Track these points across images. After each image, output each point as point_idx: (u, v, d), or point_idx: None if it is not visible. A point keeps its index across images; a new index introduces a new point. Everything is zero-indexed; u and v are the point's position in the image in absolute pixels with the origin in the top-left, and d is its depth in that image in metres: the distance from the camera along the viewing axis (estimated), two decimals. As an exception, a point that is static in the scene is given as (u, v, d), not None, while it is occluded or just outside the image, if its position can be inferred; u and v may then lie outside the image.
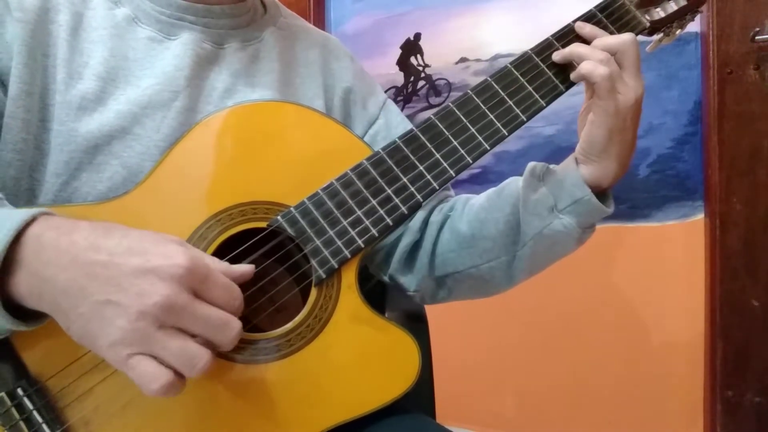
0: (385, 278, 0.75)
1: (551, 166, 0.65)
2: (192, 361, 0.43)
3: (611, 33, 0.62)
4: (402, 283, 0.74)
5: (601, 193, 0.62)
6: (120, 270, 0.43)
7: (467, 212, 0.70)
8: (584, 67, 0.58)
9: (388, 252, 0.74)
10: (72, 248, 0.44)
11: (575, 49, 0.60)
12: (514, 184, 0.67)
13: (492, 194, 0.69)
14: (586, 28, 0.62)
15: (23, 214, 0.45)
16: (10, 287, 0.44)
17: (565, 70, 0.61)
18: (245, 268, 0.50)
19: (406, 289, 0.74)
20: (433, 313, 0.86)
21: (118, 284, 0.43)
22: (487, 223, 0.67)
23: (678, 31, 0.67)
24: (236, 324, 0.45)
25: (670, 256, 1.35)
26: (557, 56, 0.61)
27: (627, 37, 0.59)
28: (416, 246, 0.73)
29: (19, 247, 0.44)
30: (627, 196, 1.38)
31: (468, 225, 0.68)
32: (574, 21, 0.62)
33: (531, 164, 0.65)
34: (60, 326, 0.45)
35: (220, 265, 0.48)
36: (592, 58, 0.58)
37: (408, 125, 0.77)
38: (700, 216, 1.32)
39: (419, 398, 0.73)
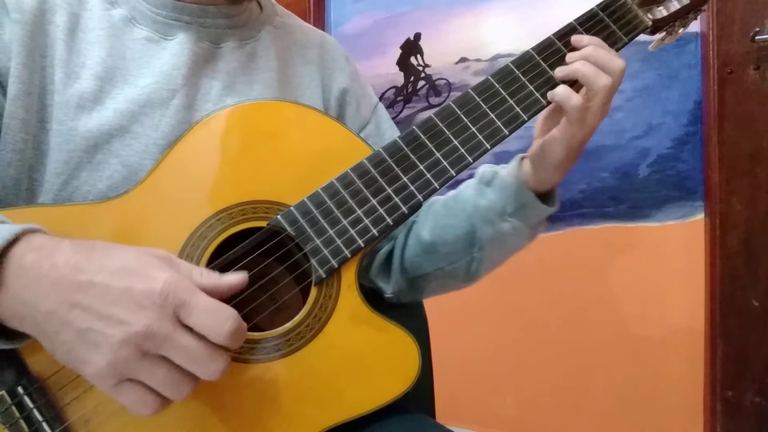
0: (366, 282, 0.78)
1: (499, 170, 0.68)
2: (177, 387, 0.43)
3: (613, 32, 0.62)
4: (381, 286, 0.77)
5: (546, 192, 0.66)
6: (101, 297, 0.42)
7: (429, 219, 0.73)
8: (559, 93, 0.59)
9: (370, 257, 0.77)
10: (53, 272, 0.43)
11: (578, 68, 0.59)
12: (468, 190, 0.70)
13: (449, 200, 0.72)
14: (583, 41, 0.61)
15: (5, 232, 0.44)
16: None
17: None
18: (235, 280, 0.47)
19: (384, 292, 0.77)
20: (433, 313, 0.86)
21: (98, 311, 0.42)
22: (446, 230, 0.70)
23: (681, 30, 0.67)
24: (217, 360, 0.43)
25: (670, 256, 1.35)
26: (560, 73, 0.61)
27: (619, 64, 0.59)
28: (391, 251, 0.76)
29: (1, 269, 0.43)
30: (627, 196, 1.38)
31: (429, 232, 0.71)
32: (576, 20, 0.62)
33: (480, 169, 0.69)
34: None
35: (208, 279, 0.46)
36: (596, 82, 0.58)
37: (395, 131, 0.80)
38: (700, 216, 1.32)
39: (419, 398, 0.73)
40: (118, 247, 0.46)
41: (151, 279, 0.43)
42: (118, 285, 0.42)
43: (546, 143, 0.62)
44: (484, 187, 0.68)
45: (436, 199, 0.75)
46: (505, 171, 0.67)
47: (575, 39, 0.61)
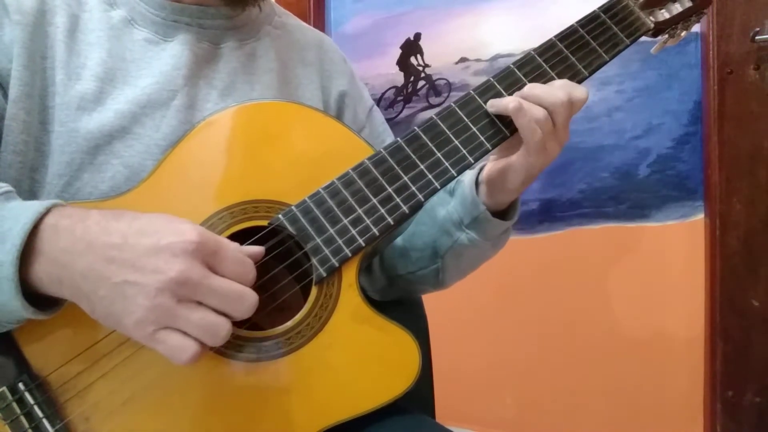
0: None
1: (462, 177, 0.66)
2: (214, 329, 0.45)
3: (614, 34, 0.62)
4: (363, 285, 0.77)
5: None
6: (134, 250, 0.45)
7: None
8: (524, 126, 0.58)
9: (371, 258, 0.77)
10: (86, 234, 0.46)
11: (515, 103, 0.57)
12: (436, 196, 0.68)
13: None
14: (536, 90, 0.59)
15: (37, 205, 0.46)
16: (29, 276, 0.46)
17: (568, 70, 0.61)
18: (255, 249, 0.51)
19: (367, 290, 0.78)
20: (432, 312, 0.86)
21: (133, 264, 0.44)
22: (415, 236, 0.71)
23: (683, 33, 0.67)
24: (251, 295, 0.47)
25: (670, 256, 1.35)
26: (492, 108, 0.59)
27: (561, 96, 0.57)
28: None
29: (37, 237, 0.45)
30: (627, 196, 1.38)
31: (402, 236, 0.72)
32: (578, 22, 0.62)
33: None
34: (62, 321, 0.47)
35: (231, 244, 0.49)
36: (533, 115, 0.57)
37: (389, 135, 0.80)
38: (700, 216, 1.32)
39: (419, 398, 0.73)
40: (143, 213, 0.48)
41: (180, 232, 0.45)
42: (149, 240, 0.45)
43: (505, 170, 0.61)
44: (446, 195, 0.68)
45: None
46: (467, 178, 0.66)
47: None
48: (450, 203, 0.67)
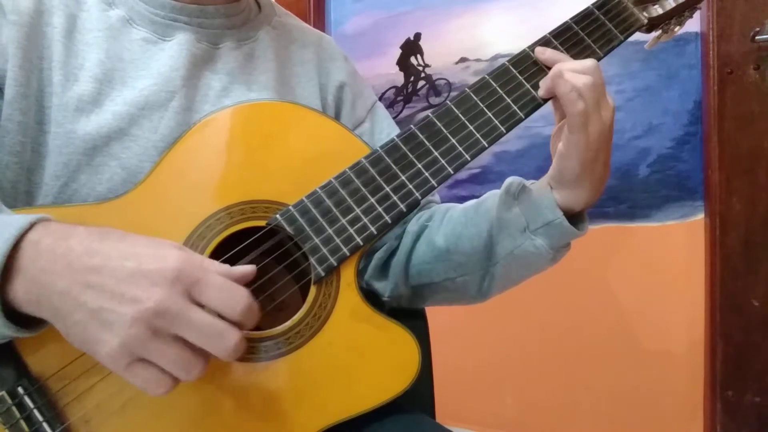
0: (362, 284, 0.76)
1: (527, 184, 0.64)
2: (187, 367, 0.43)
3: (608, 30, 0.62)
4: (377, 288, 0.75)
5: (575, 214, 0.62)
6: (113, 275, 0.43)
7: (445, 224, 0.70)
8: (565, 95, 0.56)
9: (367, 258, 0.75)
10: (68, 254, 0.44)
11: (555, 70, 0.57)
12: (492, 199, 0.67)
13: (470, 208, 0.69)
14: (546, 53, 0.59)
15: (21, 220, 0.45)
16: (9, 294, 0.44)
17: None
18: (245, 269, 0.48)
19: (381, 295, 0.75)
20: (432, 312, 0.86)
21: (111, 291, 0.43)
22: (462, 239, 0.67)
23: (677, 29, 0.67)
24: (232, 335, 0.44)
25: (670, 256, 1.35)
26: (542, 91, 0.59)
27: (591, 63, 0.56)
28: (391, 254, 0.74)
29: (18, 254, 0.44)
30: (627, 196, 1.38)
31: (444, 238, 0.69)
32: (572, 18, 0.62)
33: (508, 180, 0.65)
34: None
35: (219, 268, 0.46)
36: (575, 84, 0.55)
37: (395, 131, 0.78)
38: (700, 216, 1.32)
39: (419, 398, 0.73)
40: (130, 234, 0.47)
41: (163, 259, 0.44)
42: (131, 265, 0.43)
43: (557, 164, 0.60)
44: (510, 199, 0.64)
45: (453, 206, 0.73)
46: (535, 185, 0.63)
47: (538, 50, 0.60)
48: (515, 207, 0.63)
